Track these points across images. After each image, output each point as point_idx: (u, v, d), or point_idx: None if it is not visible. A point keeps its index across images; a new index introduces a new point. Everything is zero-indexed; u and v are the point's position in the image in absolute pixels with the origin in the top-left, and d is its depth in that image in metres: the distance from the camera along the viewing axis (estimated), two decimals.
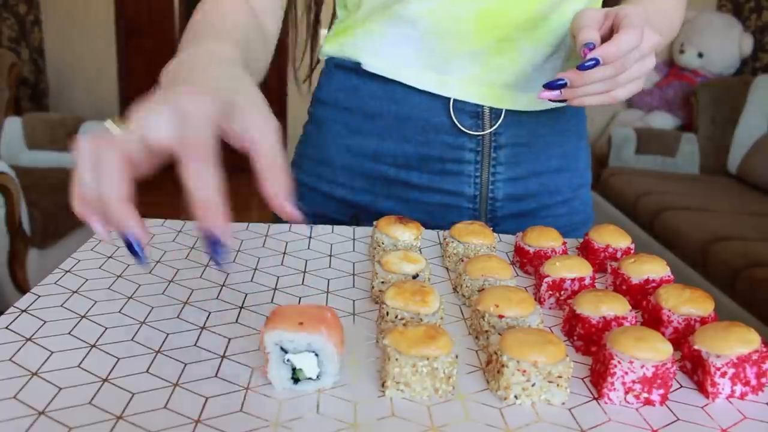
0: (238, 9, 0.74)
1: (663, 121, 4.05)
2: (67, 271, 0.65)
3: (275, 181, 0.48)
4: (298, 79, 0.94)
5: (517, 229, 0.88)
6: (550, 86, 0.69)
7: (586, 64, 0.65)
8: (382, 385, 0.48)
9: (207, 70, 0.53)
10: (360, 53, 0.84)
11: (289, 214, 0.49)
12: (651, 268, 0.65)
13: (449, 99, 0.83)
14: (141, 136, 0.44)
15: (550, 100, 0.70)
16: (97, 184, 0.44)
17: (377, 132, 0.85)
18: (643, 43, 0.67)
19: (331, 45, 0.88)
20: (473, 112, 0.84)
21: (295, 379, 0.47)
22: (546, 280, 0.64)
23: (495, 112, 0.84)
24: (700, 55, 4.02)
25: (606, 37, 0.69)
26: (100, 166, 0.43)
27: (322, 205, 0.90)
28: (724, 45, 3.99)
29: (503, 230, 0.88)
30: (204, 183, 0.43)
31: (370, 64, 0.84)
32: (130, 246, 0.47)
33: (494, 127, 0.84)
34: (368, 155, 0.86)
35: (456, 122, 0.83)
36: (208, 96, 0.46)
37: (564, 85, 0.68)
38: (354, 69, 0.85)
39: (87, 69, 4.51)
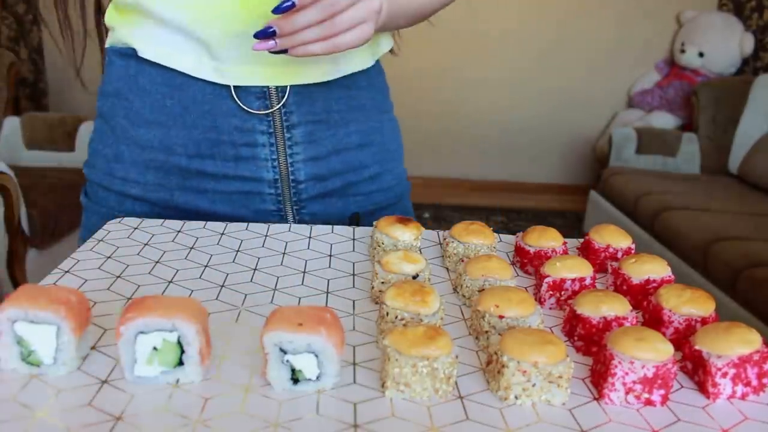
0: None
1: (664, 120, 4.05)
2: (66, 272, 0.65)
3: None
4: (81, 77, 0.91)
5: (325, 210, 0.85)
6: (260, 35, 0.66)
7: (282, 6, 0.63)
8: (382, 386, 0.48)
9: None
10: (134, 40, 0.79)
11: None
12: (652, 268, 0.65)
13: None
14: None
15: (270, 51, 0.67)
16: None
17: (163, 121, 0.80)
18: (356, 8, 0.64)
19: (110, 33, 0.83)
20: (259, 93, 0.79)
21: (295, 380, 0.47)
22: (546, 280, 0.63)
23: (281, 90, 0.80)
24: (701, 55, 4.02)
25: None
26: None
27: (118, 205, 0.84)
28: (725, 44, 3.98)
29: (311, 212, 0.85)
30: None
31: (146, 52, 0.79)
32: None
33: (282, 103, 0.79)
34: (157, 147, 0.81)
35: (241, 105, 0.79)
36: None
37: (274, 33, 0.65)
38: (132, 55, 0.80)
39: (86, 68, 4.50)
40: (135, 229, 0.77)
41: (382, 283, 0.62)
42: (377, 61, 0.89)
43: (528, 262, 0.72)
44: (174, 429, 0.42)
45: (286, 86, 0.80)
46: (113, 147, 0.83)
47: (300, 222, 0.85)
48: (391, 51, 0.93)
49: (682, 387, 0.51)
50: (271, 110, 0.80)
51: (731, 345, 0.50)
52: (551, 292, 0.64)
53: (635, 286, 0.64)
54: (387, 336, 0.48)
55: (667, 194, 3.16)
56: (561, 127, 4.30)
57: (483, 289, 0.61)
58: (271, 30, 0.66)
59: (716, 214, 2.90)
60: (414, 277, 0.62)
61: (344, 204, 0.87)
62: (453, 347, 0.48)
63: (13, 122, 3.22)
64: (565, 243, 0.73)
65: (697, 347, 0.52)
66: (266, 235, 0.78)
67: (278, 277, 0.67)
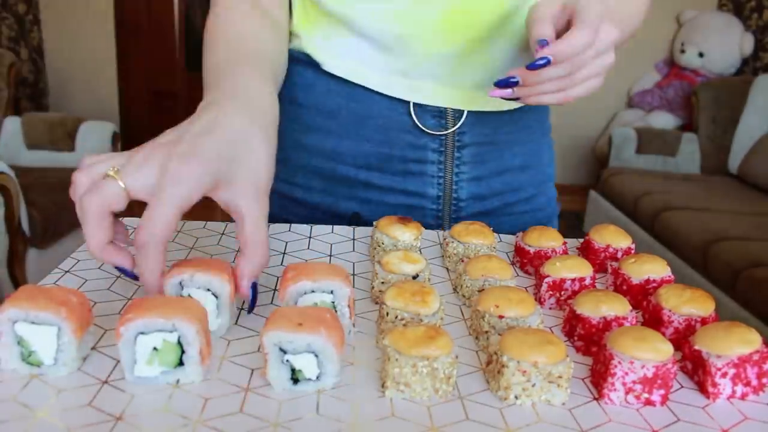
0: (253, 20, 0.72)
1: (663, 120, 4.05)
2: (66, 272, 0.65)
3: (250, 259, 0.53)
4: None
5: None
6: (501, 84, 0.66)
7: (537, 63, 0.63)
8: (382, 386, 0.48)
9: (217, 128, 0.55)
10: (319, 53, 0.80)
11: (242, 293, 0.54)
12: (651, 268, 0.65)
13: (410, 102, 0.80)
14: (124, 186, 0.50)
15: (503, 98, 0.68)
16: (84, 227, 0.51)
17: (335, 130, 0.82)
18: (600, 39, 0.63)
19: (292, 38, 0.84)
20: (436, 113, 0.81)
21: (295, 380, 0.47)
22: (546, 280, 0.64)
23: (457, 112, 0.81)
24: (701, 55, 4.02)
25: (563, 31, 0.65)
26: (83, 215, 0.51)
27: (280, 205, 0.86)
28: (724, 45, 3.99)
29: None
30: (148, 267, 0.51)
31: (332, 66, 0.80)
32: (122, 271, 0.55)
33: (457, 127, 0.81)
34: (326, 154, 0.83)
35: (417, 123, 0.81)
36: (201, 168, 0.51)
37: (516, 83, 0.66)
38: (311, 63, 0.82)
39: (86, 69, 4.51)
40: (135, 229, 0.77)
41: (382, 283, 0.62)
42: None
43: (528, 262, 0.72)
44: (174, 429, 0.43)
45: (463, 111, 0.81)
46: (279, 151, 0.84)
47: None
48: None
49: (682, 387, 0.51)
50: (445, 132, 0.81)
51: (731, 345, 0.50)
52: (551, 292, 0.64)
53: (635, 286, 0.64)
54: (387, 336, 0.48)
55: (667, 194, 3.17)
56: (561, 127, 4.29)
57: (483, 289, 0.61)
58: (515, 80, 0.66)
59: (716, 214, 2.90)
60: (414, 277, 0.62)
61: (498, 223, 0.87)
62: (453, 347, 0.48)
63: (13, 122, 3.22)
64: (565, 243, 0.73)
65: (696, 347, 0.52)
66: None
67: (278, 278, 0.67)
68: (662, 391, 0.48)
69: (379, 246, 0.71)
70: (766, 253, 2.41)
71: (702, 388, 0.51)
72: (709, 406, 0.49)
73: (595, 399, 0.49)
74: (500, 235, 0.83)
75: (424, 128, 0.81)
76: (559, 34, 0.65)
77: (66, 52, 4.49)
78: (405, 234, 0.71)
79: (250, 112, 0.58)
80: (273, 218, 0.85)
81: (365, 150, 0.82)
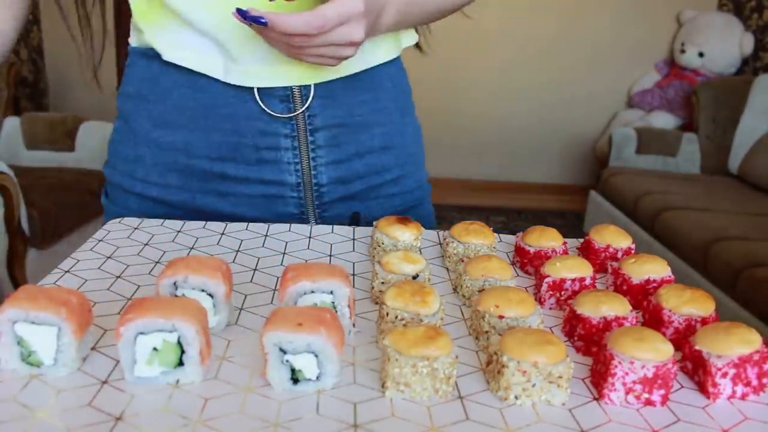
0: None
1: (664, 120, 4.05)
2: (66, 272, 0.65)
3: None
4: (98, 79, 0.90)
5: (347, 212, 0.86)
6: (247, 17, 0.64)
7: (257, 19, 0.64)
8: (382, 386, 0.48)
9: None
10: (159, 43, 0.78)
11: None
12: (652, 268, 0.65)
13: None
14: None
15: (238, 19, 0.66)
16: None
17: (185, 124, 0.80)
18: (337, 31, 0.65)
19: (132, 33, 0.83)
20: (282, 96, 0.79)
21: (295, 380, 0.47)
22: (546, 280, 0.63)
23: (305, 92, 0.79)
24: (701, 55, 4.02)
25: None
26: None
27: (138, 207, 0.85)
28: (724, 44, 3.98)
29: (333, 215, 0.86)
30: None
31: (171, 55, 0.78)
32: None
33: (305, 107, 0.79)
34: (180, 149, 0.81)
35: (265, 108, 0.79)
36: None
37: (259, 22, 0.64)
38: (155, 56, 0.80)
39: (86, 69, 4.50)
40: (135, 229, 0.77)
41: (382, 283, 0.62)
42: (400, 62, 0.89)
43: (528, 262, 0.72)
44: (174, 429, 0.42)
45: (310, 88, 0.80)
46: (134, 149, 0.83)
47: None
48: (418, 47, 0.92)
49: (682, 387, 0.51)
50: (294, 114, 0.80)
51: (731, 345, 0.50)
52: (551, 292, 0.64)
53: (635, 286, 0.64)
54: (387, 336, 0.48)
55: (667, 194, 3.16)
56: (561, 127, 4.30)
57: (483, 289, 0.61)
58: (263, 21, 0.64)
59: (716, 214, 2.90)
60: (414, 278, 0.62)
61: (366, 207, 0.87)
62: (453, 347, 0.48)
63: (13, 122, 3.22)
64: (565, 243, 0.73)
65: (697, 347, 0.52)
66: (266, 235, 0.78)
67: (278, 278, 0.67)
68: (662, 392, 0.48)
69: (379, 246, 0.71)
70: (766, 253, 2.41)
71: (702, 388, 0.51)
72: (709, 406, 0.49)
73: (595, 399, 0.49)
74: (500, 235, 0.82)
75: (272, 113, 0.79)
76: None
77: (66, 52, 4.48)
78: (405, 234, 0.71)
79: None
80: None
81: (216, 140, 0.80)
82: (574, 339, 0.57)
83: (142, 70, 0.82)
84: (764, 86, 3.64)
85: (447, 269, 0.72)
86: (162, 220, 0.80)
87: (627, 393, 0.48)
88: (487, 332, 0.55)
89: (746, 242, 2.54)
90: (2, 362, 0.47)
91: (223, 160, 0.81)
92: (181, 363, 0.47)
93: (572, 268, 0.64)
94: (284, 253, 0.73)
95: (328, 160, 0.83)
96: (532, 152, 4.35)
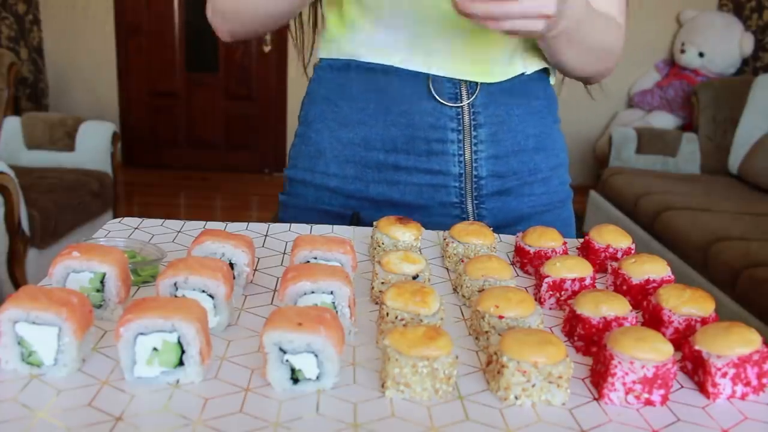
0: None
1: (664, 120, 4.05)
2: None
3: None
4: (306, 72, 1.01)
5: (502, 207, 0.92)
6: None
7: None
8: (382, 386, 0.48)
9: None
10: (354, 46, 0.89)
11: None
12: (651, 268, 0.65)
13: (428, 77, 0.88)
14: None
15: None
16: None
17: (364, 121, 0.90)
18: (532, 3, 0.68)
19: (324, 47, 0.93)
20: (451, 92, 0.88)
21: (295, 380, 0.47)
22: (546, 280, 0.63)
23: (471, 90, 0.89)
24: (701, 55, 4.02)
25: None
26: None
27: (316, 196, 0.93)
28: (724, 44, 3.98)
29: (489, 208, 0.91)
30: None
31: (365, 56, 0.89)
32: None
33: (472, 98, 0.88)
34: (358, 144, 0.91)
35: (436, 96, 0.88)
36: None
37: None
38: (343, 68, 0.91)
39: (86, 68, 4.51)
40: (135, 229, 0.77)
41: (382, 283, 0.62)
42: (548, 75, 0.97)
43: (528, 262, 0.72)
44: (174, 429, 0.43)
45: (477, 86, 0.88)
46: (316, 146, 0.93)
47: (479, 217, 0.91)
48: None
49: (682, 387, 0.51)
50: (461, 104, 0.88)
51: (731, 345, 0.50)
52: (551, 292, 0.64)
53: (635, 286, 0.64)
54: (387, 336, 0.48)
55: (667, 194, 3.16)
56: (561, 127, 4.30)
57: (483, 290, 0.61)
58: None
59: (716, 214, 2.90)
60: (414, 278, 0.62)
61: (518, 203, 0.93)
62: (453, 347, 0.48)
63: (13, 122, 3.21)
64: (565, 243, 0.73)
65: (697, 347, 0.52)
66: (266, 235, 0.78)
67: (278, 278, 0.67)
68: (662, 391, 0.48)
69: (379, 246, 0.71)
70: (766, 253, 2.41)
71: (702, 388, 0.51)
72: (709, 406, 0.49)
73: (595, 399, 0.49)
74: (500, 235, 0.83)
75: (440, 100, 0.88)
76: None
77: (66, 52, 4.48)
78: (405, 234, 0.71)
79: None
80: (311, 210, 0.92)
81: (392, 134, 0.90)
82: (574, 339, 0.57)
83: (330, 80, 0.93)
84: (764, 86, 3.64)
85: (447, 269, 0.72)
86: (162, 220, 0.80)
87: (627, 393, 0.48)
88: (487, 332, 0.55)
89: (746, 242, 2.54)
90: (3, 362, 0.47)
91: (397, 152, 0.90)
92: (181, 363, 0.47)
93: (572, 268, 0.64)
94: (284, 253, 0.73)
95: (488, 155, 0.90)
96: None
